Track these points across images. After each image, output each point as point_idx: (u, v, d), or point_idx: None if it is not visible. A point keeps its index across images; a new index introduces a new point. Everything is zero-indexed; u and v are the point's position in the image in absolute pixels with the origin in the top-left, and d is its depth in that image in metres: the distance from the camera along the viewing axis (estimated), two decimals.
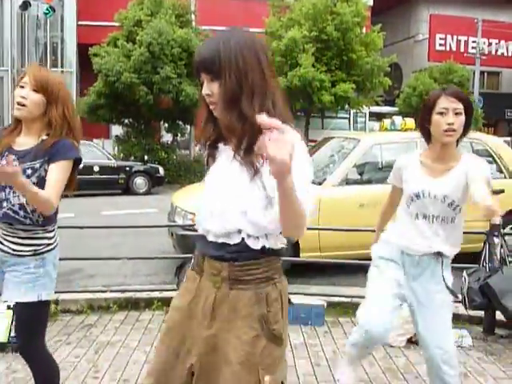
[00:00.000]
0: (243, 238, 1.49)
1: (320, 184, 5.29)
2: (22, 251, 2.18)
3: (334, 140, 6.44)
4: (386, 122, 6.29)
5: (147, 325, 4.02)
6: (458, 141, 2.36)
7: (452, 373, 2.37)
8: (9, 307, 3.71)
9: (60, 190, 2.14)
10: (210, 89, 1.47)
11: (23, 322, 2.32)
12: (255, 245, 1.49)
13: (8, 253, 2.20)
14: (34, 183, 2.06)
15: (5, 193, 2.15)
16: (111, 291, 4.47)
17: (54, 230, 2.28)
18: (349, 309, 4.23)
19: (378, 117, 17.07)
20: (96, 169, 12.94)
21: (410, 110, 18.67)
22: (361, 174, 5.40)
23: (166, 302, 4.36)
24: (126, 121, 16.57)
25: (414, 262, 2.44)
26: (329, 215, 5.07)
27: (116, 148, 16.87)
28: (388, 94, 21.36)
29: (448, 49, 23.77)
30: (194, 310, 1.58)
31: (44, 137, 2.21)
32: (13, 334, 3.55)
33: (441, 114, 2.29)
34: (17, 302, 2.24)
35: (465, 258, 4.18)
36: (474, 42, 22.39)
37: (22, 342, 2.37)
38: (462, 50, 23.50)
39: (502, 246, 3.78)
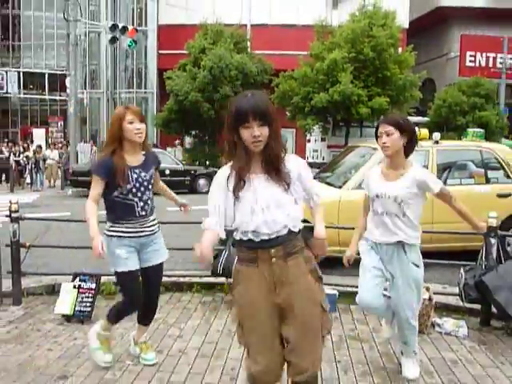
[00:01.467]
0: (289, 229, 1.91)
1: (340, 187, 5.15)
2: (153, 231, 2.85)
3: (356, 148, 6.25)
4: None
5: (186, 305, 4.08)
6: (407, 153, 2.66)
7: (414, 323, 2.74)
8: (74, 286, 3.90)
9: None
10: (260, 131, 1.80)
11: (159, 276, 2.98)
12: (295, 229, 1.92)
13: (149, 235, 2.82)
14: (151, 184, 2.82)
15: (147, 193, 2.78)
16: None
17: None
18: None
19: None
20: (167, 172, 13.34)
21: (439, 119, 17.85)
22: None
23: (204, 286, 4.42)
24: (194, 132, 16.93)
25: (384, 251, 2.69)
26: (347, 214, 4.93)
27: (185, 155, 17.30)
28: (422, 105, 20.53)
29: (477, 65, 22.55)
30: (262, 288, 1.90)
31: (143, 152, 2.81)
32: (77, 308, 3.75)
33: (380, 137, 2.64)
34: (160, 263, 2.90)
35: (468, 256, 3.96)
36: (501, 57, 21.10)
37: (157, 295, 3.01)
38: (491, 65, 22.22)
39: (498, 247, 3.53)
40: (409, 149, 2.64)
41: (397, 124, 2.59)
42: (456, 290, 3.60)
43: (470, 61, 22.94)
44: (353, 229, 4.66)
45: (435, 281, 4.39)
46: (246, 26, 18.57)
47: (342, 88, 14.72)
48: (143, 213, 2.75)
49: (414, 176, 2.59)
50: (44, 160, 16.62)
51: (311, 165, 17.13)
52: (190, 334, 3.43)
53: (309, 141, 19.86)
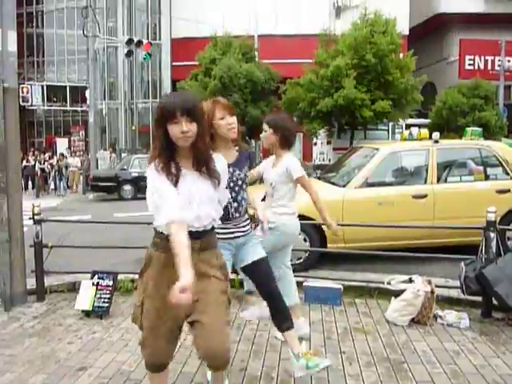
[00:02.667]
0: (212, 225, 1.97)
1: (344, 186, 5.11)
2: (247, 230, 2.54)
3: (360, 149, 6.19)
4: (405, 132, 5.95)
5: None
6: (283, 146, 2.99)
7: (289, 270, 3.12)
8: (93, 284, 3.92)
9: None
10: (189, 127, 1.76)
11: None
12: (215, 224, 1.98)
13: (243, 236, 2.51)
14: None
15: (241, 193, 2.48)
16: None
17: None
18: (364, 292, 4.07)
19: (415, 127, 16.25)
20: None
21: (440, 121, 17.63)
22: (379, 177, 5.14)
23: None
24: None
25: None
26: (351, 212, 4.89)
27: None
28: (424, 107, 20.32)
29: (476, 67, 22.19)
30: (172, 275, 1.72)
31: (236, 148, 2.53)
32: (96, 304, 3.77)
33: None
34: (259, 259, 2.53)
35: (468, 250, 3.89)
36: (499, 60, 20.77)
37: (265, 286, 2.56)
38: (490, 67, 21.87)
39: (497, 240, 3.45)
40: (284, 142, 2.98)
41: (269, 122, 2.97)
42: (457, 283, 3.54)
43: (469, 64, 22.63)
44: (357, 226, 4.66)
45: (437, 274, 4.31)
46: (253, 36, 18.56)
47: (346, 93, 14.63)
48: (237, 214, 2.46)
49: (284, 164, 2.96)
50: (66, 167, 16.83)
51: (318, 167, 17.09)
52: None
53: (315, 144, 19.79)
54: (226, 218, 2.33)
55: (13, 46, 3.87)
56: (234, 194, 2.38)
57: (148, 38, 21.32)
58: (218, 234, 2.26)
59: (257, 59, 16.85)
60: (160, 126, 1.79)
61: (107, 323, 3.51)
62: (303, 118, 16.50)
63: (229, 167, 2.23)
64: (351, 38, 15.34)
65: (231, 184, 2.37)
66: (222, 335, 1.87)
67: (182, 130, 1.73)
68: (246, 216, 2.55)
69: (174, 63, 23.73)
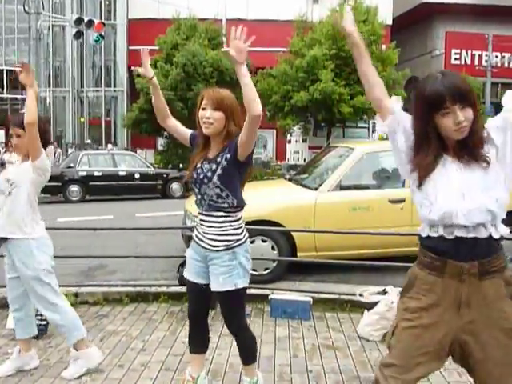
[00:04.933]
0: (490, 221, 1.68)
1: (316, 189, 5.21)
2: (217, 246, 2.32)
3: (335, 148, 6.33)
4: None
5: (152, 316, 4.05)
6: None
7: None
8: None
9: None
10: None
11: (225, 306, 2.46)
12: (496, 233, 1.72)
13: (207, 249, 2.35)
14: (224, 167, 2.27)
15: (202, 189, 2.32)
16: (122, 285, 4.53)
17: (241, 227, 2.38)
18: (336, 304, 4.16)
19: None
20: (137, 176, 13.22)
21: None
22: (354, 179, 5.27)
23: (172, 296, 4.40)
24: (166, 133, 16.89)
25: None
26: (323, 218, 4.99)
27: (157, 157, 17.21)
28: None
29: (463, 62, 23.15)
30: (443, 307, 1.67)
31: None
32: None
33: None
34: (218, 291, 2.35)
35: None
36: (486, 55, 21.71)
37: (226, 321, 2.50)
38: (477, 63, 22.82)
39: None
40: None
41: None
42: None
43: (456, 58, 23.52)
44: (330, 232, 4.76)
45: None
46: (221, 20, 18.61)
47: (323, 86, 14.88)
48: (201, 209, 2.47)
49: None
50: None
51: (293, 167, 17.29)
52: (154, 346, 3.41)
53: (289, 142, 20.01)
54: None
55: None
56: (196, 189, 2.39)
57: (101, 18, 21.04)
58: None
59: (224, 46, 16.91)
60: (423, 118, 1.67)
61: (44, 344, 3.44)
62: (276, 113, 16.68)
63: (203, 162, 2.32)
64: (329, 26, 15.62)
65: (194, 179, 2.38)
66: None
67: (458, 120, 1.60)
68: (222, 224, 2.32)
69: (130, 47, 23.47)
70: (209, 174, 2.30)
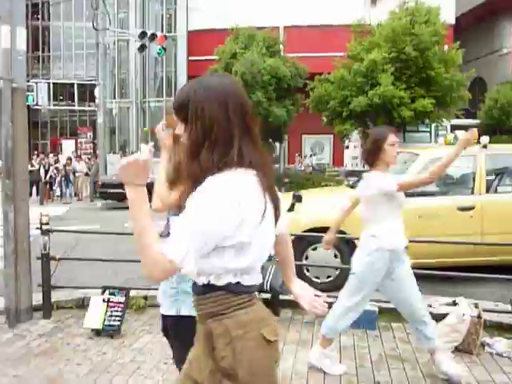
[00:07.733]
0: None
1: None
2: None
3: (398, 154, 6.17)
4: (450, 135, 5.93)
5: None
6: None
7: None
8: (104, 300, 4.04)
9: None
10: (181, 130, 1.39)
11: (172, 331, 2.11)
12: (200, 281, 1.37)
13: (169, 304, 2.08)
14: None
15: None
16: None
17: None
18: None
19: (461, 129, 16.05)
20: None
21: (491, 121, 17.32)
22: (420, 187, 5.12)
23: None
24: None
25: None
26: None
27: None
28: (472, 106, 20.02)
29: None
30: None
31: None
32: (106, 322, 3.89)
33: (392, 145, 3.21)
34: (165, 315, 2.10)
35: None
36: None
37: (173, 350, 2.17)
38: None
39: None
40: None
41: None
42: (508, 307, 3.51)
43: None
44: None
45: (485, 297, 4.27)
46: (278, 28, 18.73)
47: (383, 90, 14.58)
48: None
49: None
50: (74, 173, 17.29)
51: (351, 173, 17.04)
52: None
53: (347, 147, 19.73)
54: None
55: (22, 45, 4.06)
56: None
57: (162, 31, 21.79)
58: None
59: (282, 53, 17.01)
60: None
61: (118, 343, 3.62)
62: (334, 119, 16.50)
63: None
64: (389, 29, 15.31)
65: None
66: None
67: None
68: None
69: (190, 58, 24.15)
70: None
